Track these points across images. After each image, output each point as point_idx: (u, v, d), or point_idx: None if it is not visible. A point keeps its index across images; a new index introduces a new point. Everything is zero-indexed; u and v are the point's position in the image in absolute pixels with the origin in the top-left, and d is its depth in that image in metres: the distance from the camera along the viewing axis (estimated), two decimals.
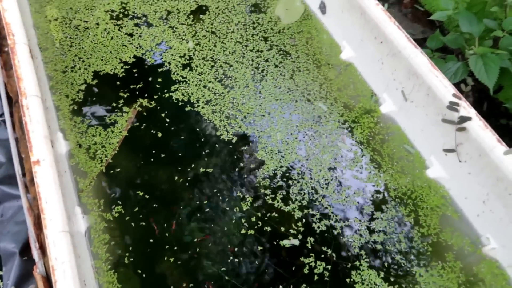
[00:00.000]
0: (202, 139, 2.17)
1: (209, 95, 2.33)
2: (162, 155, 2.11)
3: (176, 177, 2.04)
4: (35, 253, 1.48)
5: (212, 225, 1.94)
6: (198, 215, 1.95)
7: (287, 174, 2.09)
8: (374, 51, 2.25)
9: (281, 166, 2.11)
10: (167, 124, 2.21)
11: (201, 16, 2.69)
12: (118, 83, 2.36)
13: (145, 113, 2.25)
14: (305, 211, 1.98)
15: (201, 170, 2.08)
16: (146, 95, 2.32)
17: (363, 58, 2.37)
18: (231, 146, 2.16)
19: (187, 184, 2.03)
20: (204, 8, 2.74)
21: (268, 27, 2.65)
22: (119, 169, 2.06)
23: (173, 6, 2.74)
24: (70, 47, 2.50)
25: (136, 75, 2.40)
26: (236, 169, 2.10)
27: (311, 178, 2.08)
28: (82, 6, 2.71)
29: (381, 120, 2.27)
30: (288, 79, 2.41)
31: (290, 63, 2.48)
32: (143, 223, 1.93)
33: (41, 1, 2.73)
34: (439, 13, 2.49)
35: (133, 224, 1.92)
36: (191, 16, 2.69)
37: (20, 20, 2.02)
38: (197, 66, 2.44)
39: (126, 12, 2.70)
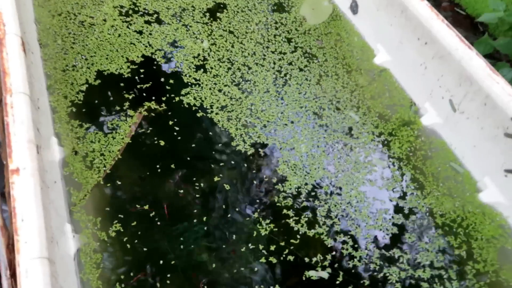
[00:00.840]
0: (215, 150, 1.90)
1: (224, 100, 2.06)
2: (170, 166, 1.83)
3: (184, 192, 1.76)
4: (5, 283, 1.19)
5: (225, 252, 1.63)
6: (209, 239, 1.66)
7: (313, 193, 1.79)
8: (415, 54, 1.96)
9: (306, 184, 1.81)
10: (176, 131, 1.94)
11: (218, 14, 2.45)
12: (123, 84, 2.11)
13: (152, 118, 1.99)
14: (335, 237, 1.67)
15: (213, 185, 1.79)
16: (154, 98, 2.06)
17: (401, 63, 2.09)
18: (248, 159, 1.88)
19: (196, 201, 1.75)
20: (222, 6, 2.50)
21: (292, 28, 2.39)
22: (119, 181, 1.79)
23: (188, 3, 2.50)
24: (73, 44, 2.27)
25: (143, 76, 2.15)
26: (254, 186, 1.81)
27: (341, 199, 1.77)
28: (89, 0, 2.49)
29: (423, 133, 1.97)
30: (315, 85, 2.13)
31: (317, 67, 2.21)
32: (145, 245, 1.63)
33: None
34: (487, 15, 2.19)
35: (133, 246, 1.63)
36: (207, 14, 2.44)
37: (14, 10, 1.79)
38: (212, 68, 2.19)
39: (136, 8, 2.47)
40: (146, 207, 1.73)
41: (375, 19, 2.20)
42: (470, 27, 2.63)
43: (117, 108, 2.02)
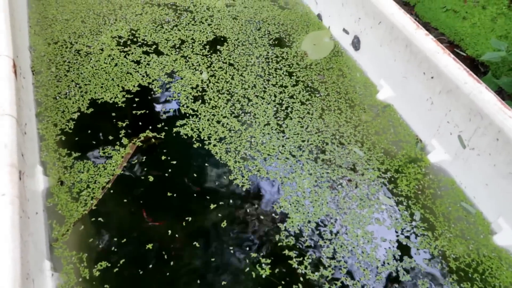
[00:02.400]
0: (212, 184, 1.79)
1: (223, 132, 1.99)
2: (163, 202, 1.72)
3: (177, 231, 1.63)
4: None
5: None
6: (203, 281, 1.51)
7: (317, 232, 1.67)
8: (421, 89, 1.92)
9: (309, 222, 1.70)
10: (171, 164, 1.84)
11: (218, 47, 2.43)
12: (117, 113, 2.04)
13: (146, 149, 1.90)
14: (341, 280, 1.53)
15: (209, 222, 1.67)
16: (149, 128, 1.98)
17: (405, 98, 2.05)
18: (246, 194, 1.77)
19: (189, 239, 1.62)
20: (222, 39, 2.49)
21: (294, 62, 2.37)
22: (106, 216, 1.66)
23: (187, 35, 2.49)
24: (67, 71, 2.21)
25: (139, 105, 2.08)
26: (253, 223, 1.69)
27: (347, 239, 1.65)
28: (87, 30, 2.47)
29: (431, 171, 1.89)
30: (317, 119, 2.08)
31: (319, 101, 2.16)
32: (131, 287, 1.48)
33: (43, 23, 2.49)
34: (490, 54, 2.18)
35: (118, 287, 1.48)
36: (207, 47, 2.42)
37: (9, 32, 1.74)
38: (210, 99, 2.13)
39: (135, 39, 2.44)
40: (134, 246, 1.59)
41: (378, 54, 2.19)
42: (471, 68, 2.63)
43: (110, 137, 1.93)
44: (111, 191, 1.73)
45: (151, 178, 1.78)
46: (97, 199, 1.70)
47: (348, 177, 1.86)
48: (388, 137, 2.02)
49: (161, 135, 1.96)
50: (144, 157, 1.86)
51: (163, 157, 1.87)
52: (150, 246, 1.58)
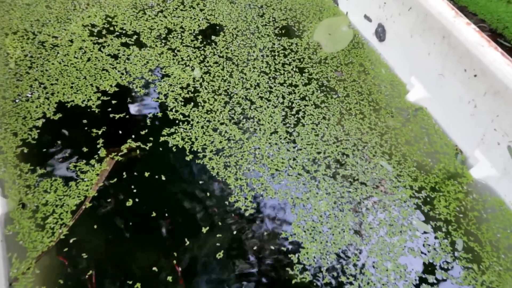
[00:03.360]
0: (207, 206, 1.76)
1: (220, 142, 1.97)
2: (146, 228, 1.69)
3: (164, 263, 1.61)
4: None
5: None
6: None
7: (338, 266, 1.65)
8: (461, 90, 1.91)
9: (328, 253, 1.68)
10: (158, 182, 1.82)
11: (213, 37, 2.42)
12: (91, 119, 2.02)
13: (127, 165, 1.88)
14: None
15: (203, 254, 1.64)
16: (131, 138, 1.96)
17: (442, 100, 2.04)
18: (250, 219, 1.75)
19: (179, 274, 1.59)
20: (217, 27, 2.47)
21: (305, 56, 2.36)
22: (78, 247, 1.63)
23: (175, 23, 2.47)
24: (29, 68, 2.19)
25: (117, 109, 2.06)
26: (258, 256, 1.66)
27: (375, 274, 1.63)
28: (53, 18, 2.45)
29: (474, 189, 1.88)
30: (335, 125, 2.06)
31: (337, 103, 2.15)
32: None
33: None
34: None
35: None
36: (200, 37, 2.41)
37: None
38: (204, 102, 2.11)
39: (111, 28, 2.42)
40: (114, 287, 1.56)
41: (408, 46, 2.18)
42: None
43: (83, 149, 1.90)
44: (84, 216, 1.70)
45: (129, 203, 1.75)
46: (67, 227, 1.67)
47: (374, 198, 1.84)
48: (422, 148, 2.01)
49: (145, 146, 1.94)
50: (125, 173, 1.83)
51: (146, 174, 1.84)
52: (131, 283, 1.55)
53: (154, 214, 1.72)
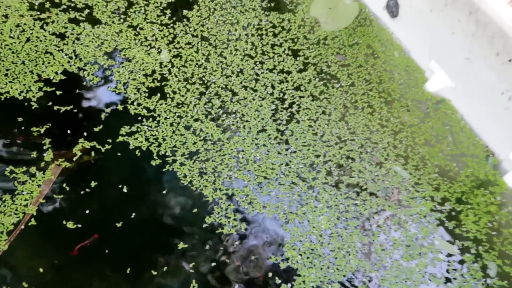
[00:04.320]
0: (177, 224, 1.74)
1: (194, 144, 1.94)
2: (101, 251, 1.65)
3: None
4: None
5: None
6: None
7: None
8: (493, 78, 1.90)
9: (330, 282, 1.66)
10: (114, 193, 1.78)
11: (184, 11, 2.37)
12: (31, 114, 1.98)
13: (76, 173, 1.84)
14: None
15: (172, 280, 1.61)
16: (83, 138, 1.92)
17: (468, 90, 2.03)
18: (233, 239, 1.72)
19: None
20: (190, 0, 2.43)
21: (299, 35, 2.33)
22: (14, 272, 1.59)
23: None
24: None
25: (64, 102, 2.02)
26: (242, 285, 1.64)
27: None
28: None
29: (510, 200, 1.88)
30: (337, 121, 2.04)
31: (339, 94, 2.13)
32: None
33: None
34: None
35: None
36: (168, 12, 2.36)
37: None
38: (174, 93, 2.08)
39: (56, 0, 2.37)
40: None
41: (426, 24, 2.16)
42: None
43: (21, 154, 1.86)
44: (22, 236, 1.66)
45: (70, 225, 1.70)
46: (1, 251, 1.63)
47: (387, 212, 1.82)
48: (445, 149, 2.00)
49: (100, 149, 1.90)
50: (73, 184, 1.79)
51: (100, 184, 1.79)
52: None
53: (111, 231, 1.68)
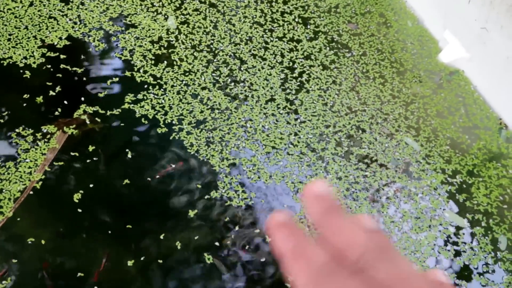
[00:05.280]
0: (183, 194, 1.75)
1: (201, 112, 1.94)
2: (107, 219, 1.67)
3: (128, 262, 1.59)
4: None
5: None
6: None
7: None
8: (510, 48, 1.88)
9: None
10: (120, 161, 1.80)
11: None
12: (34, 81, 1.98)
13: (81, 140, 1.85)
14: None
15: (176, 254, 1.63)
16: (86, 106, 1.92)
17: (484, 61, 2.03)
18: (240, 214, 1.73)
19: (143, 276, 1.57)
20: None
21: (310, 2, 2.34)
22: (22, 237, 1.62)
23: None
24: None
25: (69, 69, 2.02)
26: (251, 264, 1.65)
27: None
28: None
29: None
30: (348, 92, 2.04)
31: (350, 63, 2.13)
32: None
33: None
34: None
35: None
36: None
37: None
38: (181, 60, 2.08)
39: None
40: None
41: None
42: None
43: (25, 121, 1.86)
44: (28, 203, 1.68)
45: (78, 194, 1.71)
46: (5, 218, 1.64)
47: (397, 184, 1.83)
48: (457, 121, 2.01)
49: (106, 117, 1.90)
50: (76, 153, 1.80)
51: (107, 152, 1.81)
52: (86, 277, 1.53)
53: (117, 199, 1.70)
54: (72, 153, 1.81)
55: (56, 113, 1.90)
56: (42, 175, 1.74)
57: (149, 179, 1.77)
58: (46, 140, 1.82)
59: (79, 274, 1.57)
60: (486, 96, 2.05)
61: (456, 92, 2.07)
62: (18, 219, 1.65)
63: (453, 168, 1.88)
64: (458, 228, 1.76)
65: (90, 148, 1.82)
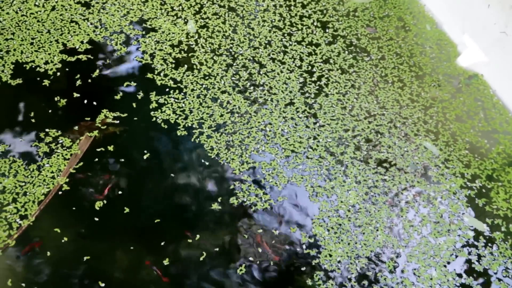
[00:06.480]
0: (206, 200, 1.77)
1: (221, 116, 1.96)
2: (126, 224, 1.70)
3: (144, 263, 1.62)
4: None
5: None
6: None
7: (370, 273, 1.65)
8: None
9: (358, 257, 1.69)
10: (139, 164, 1.82)
11: None
12: (56, 84, 2.00)
13: (102, 144, 1.87)
14: None
15: (193, 252, 1.65)
16: (107, 111, 1.95)
17: (503, 65, 2.03)
18: (259, 215, 1.75)
19: (161, 278, 1.60)
20: None
21: (329, 6, 2.34)
22: (42, 245, 1.64)
23: None
24: None
25: (90, 73, 2.04)
26: (265, 259, 1.67)
27: (416, 284, 1.65)
28: None
29: None
30: (366, 95, 2.05)
31: (369, 67, 2.14)
32: None
33: None
34: None
35: None
36: None
37: None
38: (201, 64, 2.10)
39: None
40: None
41: None
42: None
43: (48, 125, 1.89)
44: (51, 207, 1.71)
45: (97, 204, 1.75)
46: (31, 220, 1.67)
47: (416, 188, 1.84)
48: (476, 125, 2.01)
49: (126, 120, 1.93)
50: (98, 156, 1.83)
51: (125, 156, 1.83)
52: (108, 280, 1.56)
53: (135, 202, 1.73)
54: (94, 157, 1.84)
55: (78, 116, 1.93)
56: (66, 178, 1.78)
57: (169, 181, 1.79)
58: (68, 145, 1.85)
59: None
60: (506, 100, 2.06)
61: (475, 96, 2.08)
62: (44, 221, 1.68)
63: (472, 172, 1.89)
64: (478, 232, 1.77)
65: (112, 151, 1.85)
